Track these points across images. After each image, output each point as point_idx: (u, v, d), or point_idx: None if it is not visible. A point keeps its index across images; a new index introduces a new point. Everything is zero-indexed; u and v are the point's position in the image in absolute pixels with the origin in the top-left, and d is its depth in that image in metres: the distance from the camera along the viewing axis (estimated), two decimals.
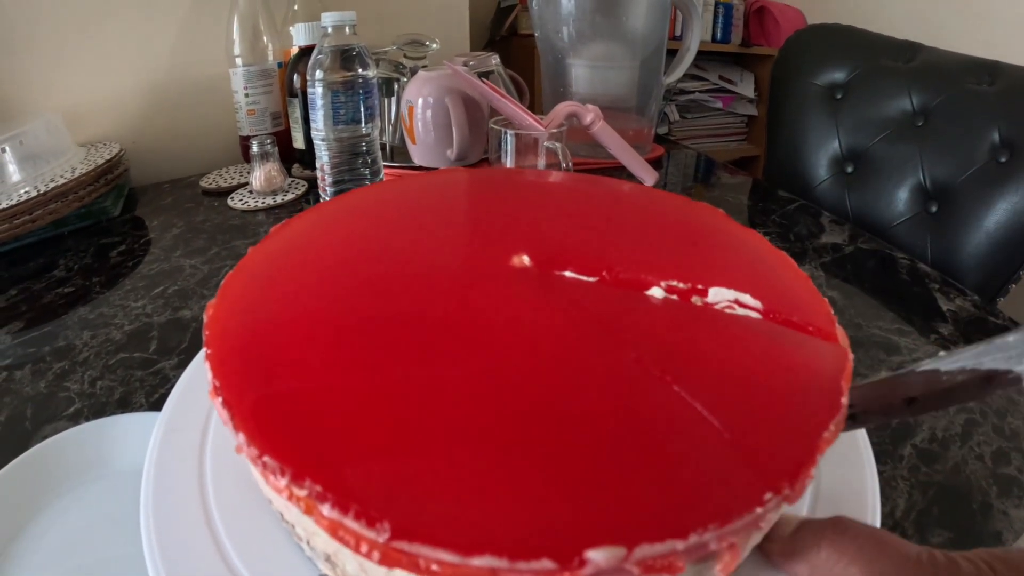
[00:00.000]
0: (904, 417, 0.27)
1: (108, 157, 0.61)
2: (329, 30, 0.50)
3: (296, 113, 0.68)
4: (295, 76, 0.66)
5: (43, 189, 0.54)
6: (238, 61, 0.69)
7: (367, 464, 0.16)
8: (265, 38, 0.71)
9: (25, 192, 0.54)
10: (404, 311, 0.23)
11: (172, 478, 0.22)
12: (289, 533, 0.20)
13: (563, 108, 0.57)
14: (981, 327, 0.45)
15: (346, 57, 0.50)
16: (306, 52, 0.65)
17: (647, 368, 0.20)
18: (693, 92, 1.51)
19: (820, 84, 0.85)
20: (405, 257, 0.26)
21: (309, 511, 0.16)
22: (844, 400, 0.19)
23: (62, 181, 0.56)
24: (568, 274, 0.25)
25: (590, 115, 0.58)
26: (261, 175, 0.63)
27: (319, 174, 0.54)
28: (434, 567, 0.14)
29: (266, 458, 0.16)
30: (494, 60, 0.68)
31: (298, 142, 0.69)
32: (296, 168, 0.72)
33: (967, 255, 0.73)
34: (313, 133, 0.53)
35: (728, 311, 0.24)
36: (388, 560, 0.15)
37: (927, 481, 0.31)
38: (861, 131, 0.82)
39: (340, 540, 0.15)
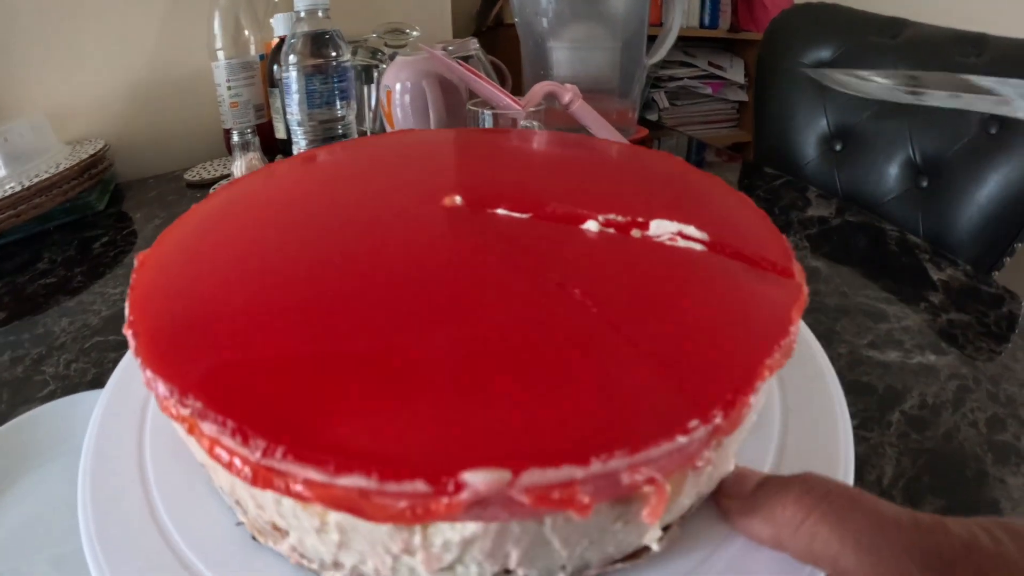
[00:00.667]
0: None
1: (92, 152, 0.62)
2: (302, 14, 0.50)
3: (278, 103, 0.68)
4: (275, 67, 0.66)
5: (27, 183, 0.55)
6: (220, 54, 0.69)
7: (252, 385, 0.16)
8: (247, 31, 0.71)
9: (10, 188, 0.54)
10: (325, 248, 0.23)
11: (112, 444, 0.22)
12: (220, 494, 0.20)
13: (541, 88, 0.57)
14: (974, 296, 0.43)
15: (319, 41, 0.51)
16: None
17: (568, 292, 0.19)
18: (682, 79, 1.49)
19: (807, 63, 0.84)
20: (340, 203, 0.27)
21: (191, 431, 0.16)
22: (793, 329, 0.18)
23: (46, 176, 0.56)
24: (500, 211, 0.25)
25: (568, 94, 0.57)
26: (242, 164, 0.63)
27: None
28: (298, 487, 0.14)
29: (158, 380, 0.16)
30: (473, 45, 0.68)
31: (280, 132, 0.70)
32: (279, 158, 0.72)
33: (960, 229, 0.72)
34: (288, 118, 0.53)
35: (670, 243, 0.22)
36: (259, 479, 0.14)
37: (917, 448, 0.29)
38: (849, 109, 0.82)
39: (216, 458, 0.15)
